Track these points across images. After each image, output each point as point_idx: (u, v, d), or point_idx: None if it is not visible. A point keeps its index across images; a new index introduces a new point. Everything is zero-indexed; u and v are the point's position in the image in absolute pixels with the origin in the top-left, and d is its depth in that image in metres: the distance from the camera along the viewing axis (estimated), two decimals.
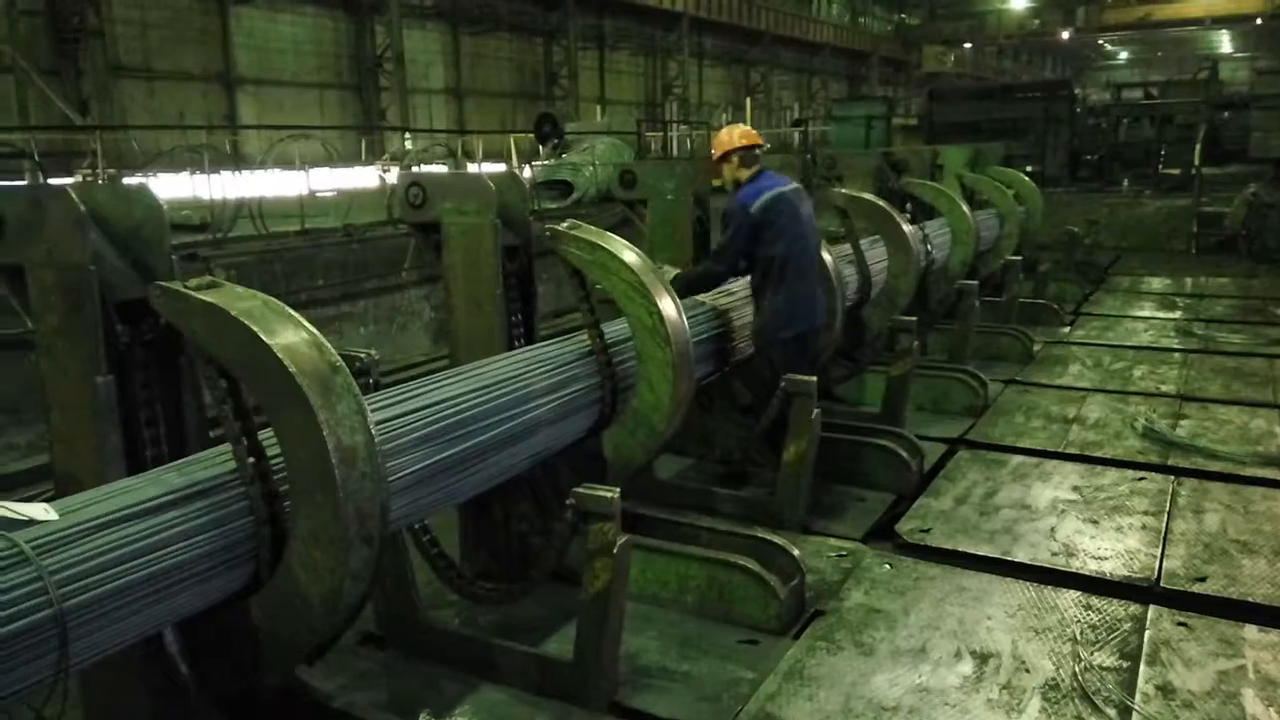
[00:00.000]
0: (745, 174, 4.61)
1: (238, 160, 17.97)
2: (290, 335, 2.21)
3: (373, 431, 2.23)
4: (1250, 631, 3.38)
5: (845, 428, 5.06)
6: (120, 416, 2.40)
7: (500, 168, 20.82)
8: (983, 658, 3.24)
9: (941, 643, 3.34)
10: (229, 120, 22.83)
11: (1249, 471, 4.86)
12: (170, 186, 12.94)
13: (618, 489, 2.89)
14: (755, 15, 37.75)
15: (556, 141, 16.46)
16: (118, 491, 2.15)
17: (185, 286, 2.29)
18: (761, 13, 38.06)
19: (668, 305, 3.60)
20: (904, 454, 4.81)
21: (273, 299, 2.33)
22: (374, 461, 2.22)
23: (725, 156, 4.63)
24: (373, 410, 2.75)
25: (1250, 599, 3.61)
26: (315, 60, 24.98)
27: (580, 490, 2.90)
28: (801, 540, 4.15)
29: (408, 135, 21.02)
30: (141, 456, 2.42)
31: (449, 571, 3.23)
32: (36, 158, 15.74)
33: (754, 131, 4.77)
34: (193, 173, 15.12)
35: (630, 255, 3.61)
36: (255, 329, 2.17)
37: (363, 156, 21.20)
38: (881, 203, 6.13)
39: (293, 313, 2.32)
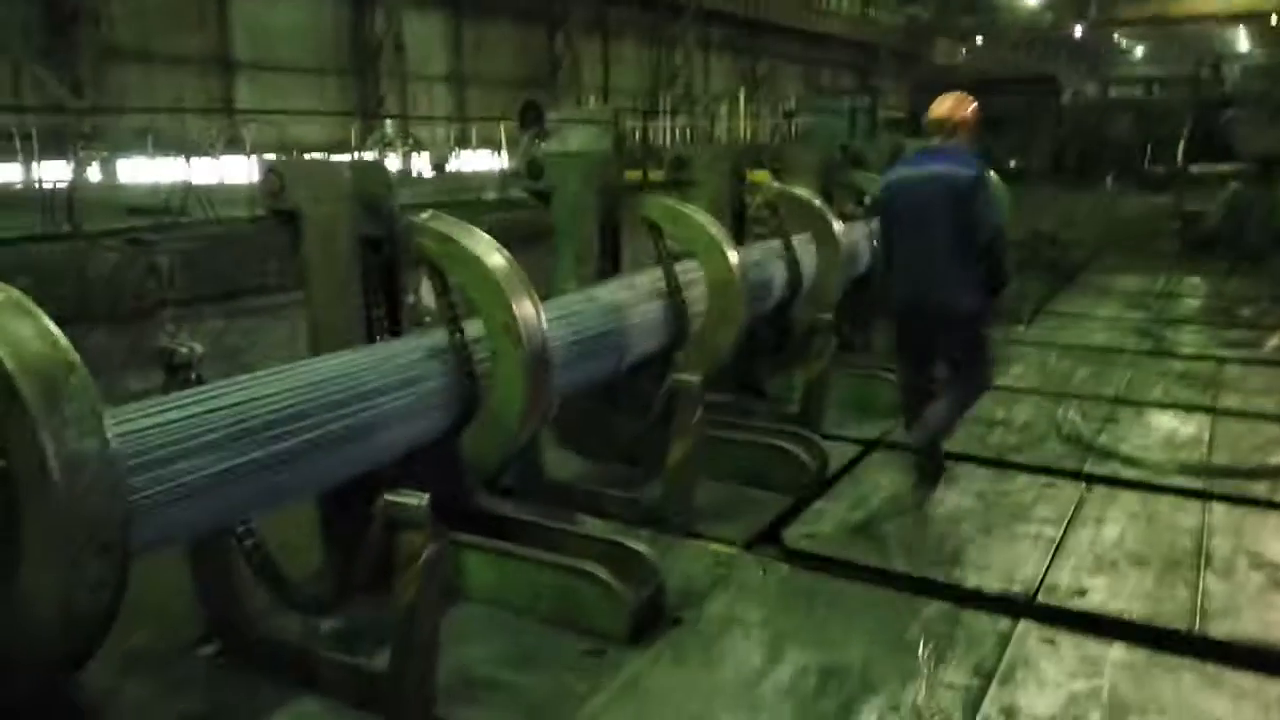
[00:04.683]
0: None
1: (228, 143, 17.98)
2: (14, 336, 2.10)
3: (104, 439, 2.12)
4: (1117, 650, 3.24)
5: (749, 427, 4.93)
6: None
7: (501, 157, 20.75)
8: (830, 674, 3.11)
9: (792, 656, 3.21)
10: (226, 104, 22.84)
11: (1164, 480, 4.70)
12: (139, 170, 12.92)
13: (426, 496, 2.77)
14: (762, 6, 37.40)
15: (537, 130, 16.30)
16: None
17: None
18: (768, 3, 37.69)
19: (524, 301, 3.47)
20: (804, 456, 4.67)
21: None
22: (107, 470, 2.11)
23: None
24: (170, 409, 2.67)
25: (1126, 616, 3.46)
26: (314, 45, 24.91)
27: (388, 498, 2.79)
28: (680, 545, 4.03)
29: (387, 122, 20.94)
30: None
31: (273, 578, 3.11)
32: (33, 138, 15.78)
33: (953, 105, 4.58)
34: (186, 156, 15.15)
35: (485, 249, 3.49)
36: None
37: (353, 143, 21.13)
38: (808, 197, 5.99)
39: (27, 306, 2.20)
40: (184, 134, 15.99)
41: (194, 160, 15.48)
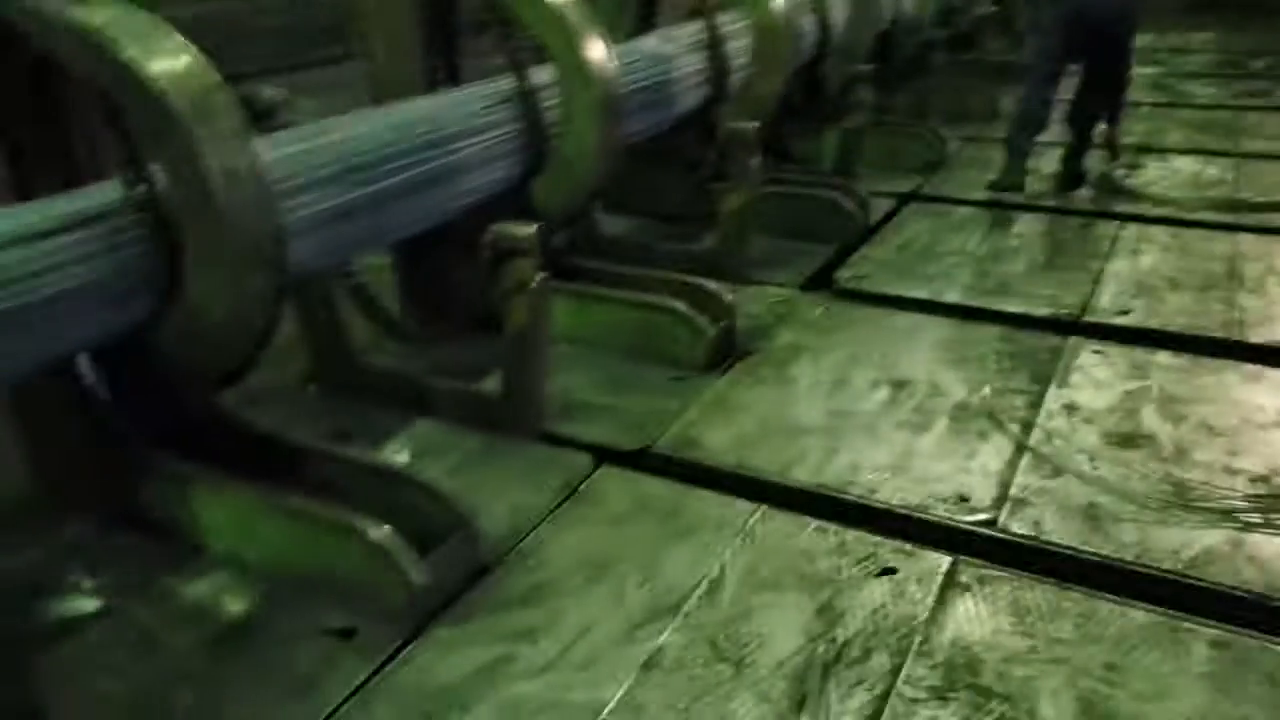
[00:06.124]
0: None
1: None
2: (165, 56, 2.12)
3: (255, 156, 2.19)
4: (1162, 357, 3.51)
5: (793, 181, 5.01)
6: (7, 147, 2.35)
7: None
8: (899, 385, 3.37)
9: (862, 374, 3.46)
10: None
11: (1193, 215, 4.88)
12: None
13: (534, 225, 2.88)
14: None
15: None
16: (5, 216, 2.13)
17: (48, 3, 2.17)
18: None
19: (596, 43, 3.45)
20: (849, 206, 4.79)
21: (148, 13, 2.23)
22: (260, 186, 2.20)
23: None
24: (276, 146, 2.71)
25: (1168, 328, 3.72)
26: None
27: (497, 228, 2.90)
28: (739, 289, 4.19)
29: None
30: (34, 188, 2.37)
31: (378, 314, 3.28)
32: None
33: None
34: None
35: None
36: (123, 49, 2.08)
37: None
38: None
39: (170, 28, 2.21)
40: None
41: None
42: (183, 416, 2.64)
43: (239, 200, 2.14)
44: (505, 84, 3.55)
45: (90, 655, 2.13)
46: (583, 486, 2.85)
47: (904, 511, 2.68)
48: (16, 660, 1.74)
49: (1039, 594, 2.32)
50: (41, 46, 2.24)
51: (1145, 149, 6.05)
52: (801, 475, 2.87)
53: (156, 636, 2.16)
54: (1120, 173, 5.52)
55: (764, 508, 2.71)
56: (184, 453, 2.57)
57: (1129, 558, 2.45)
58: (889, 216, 5.13)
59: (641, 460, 2.96)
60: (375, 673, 2.11)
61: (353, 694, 2.06)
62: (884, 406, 3.23)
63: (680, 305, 3.58)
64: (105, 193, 2.27)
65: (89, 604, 2.25)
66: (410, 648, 2.18)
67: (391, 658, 2.15)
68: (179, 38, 2.18)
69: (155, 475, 2.54)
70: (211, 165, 2.09)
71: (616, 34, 4.65)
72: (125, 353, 2.45)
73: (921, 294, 4.11)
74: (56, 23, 2.16)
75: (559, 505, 2.76)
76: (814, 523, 2.64)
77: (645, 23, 5.01)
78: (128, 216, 2.23)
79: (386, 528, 2.25)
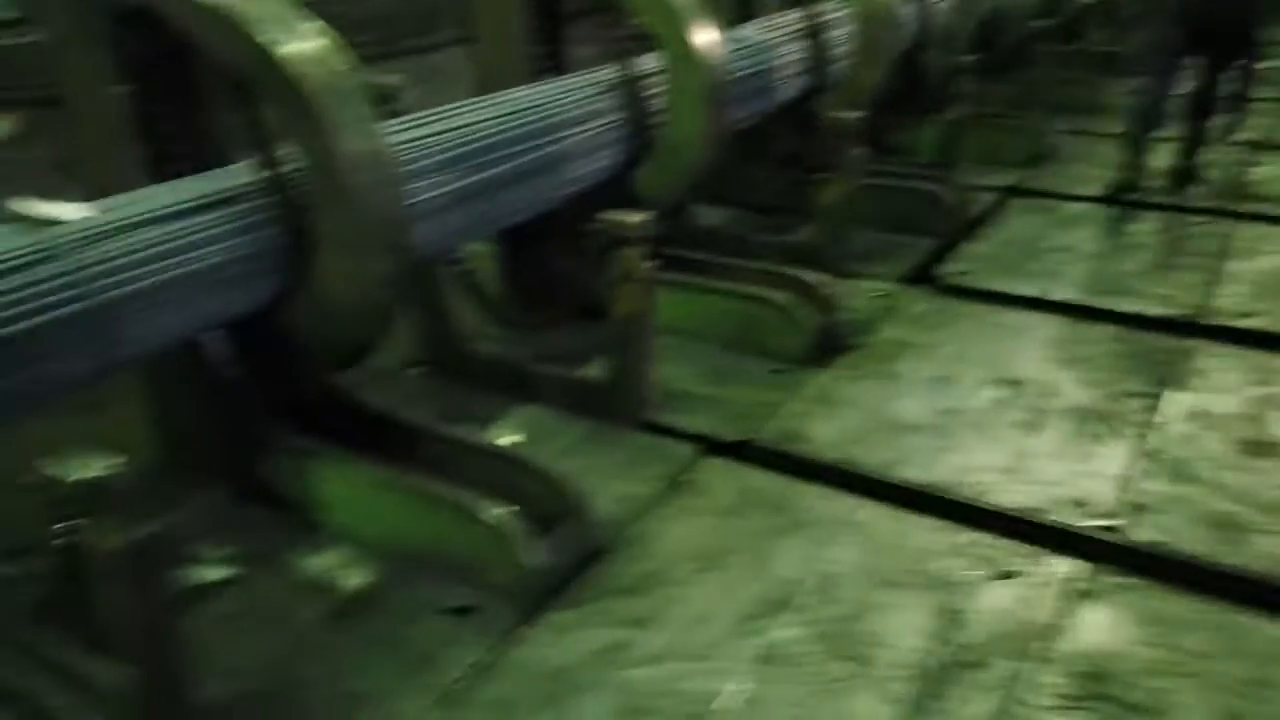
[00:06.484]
0: None
1: None
2: (300, 40, 2.17)
3: (384, 141, 2.22)
4: None
5: (893, 174, 4.91)
6: (145, 130, 2.42)
7: None
8: (1010, 384, 3.28)
9: (971, 372, 3.38)
10: None
11: None
12: None
13: (645, 215, 2.87)
14: None
15: None
16: (143, 197, 2.20)
17: None
18: None
19: (706, 31, 3.42)
20: (949, 199, 4.67)
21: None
22: (389, 170, 2.23)
23: None
24: (394, 133, 2.75)
25: None
26: None
27: (606, 216, 2.90)
28: (839, 282, 4.12)
29: None
30: (169, 171, 2.45)
31: (484, 300, 3.31)
32: None
33: None
34: None
35: None
36: (260, 32, 2.13)
37: None
38: None
39: (301, 15, 2.26)
40: None
41: None
42: (303, 394, 2.70)
43: (368, 183, 2.18)
44: (610, 71, 3.55)
45: (220, 624, 2.19)
46: (687, 476, 2.83)
47: (1020, 514, 2.60)
48: (158, 625, 1.80)
49: (1169, 604, 2.23)
50: (179, 29, 2.30)
51: (1263, 145, 5.79)
52: (910, 473, 2.81)
53: (281, 608, 2.22)
54: (1238, 170, 5.28)
55: (873, 504, 2.67)
56: (303, 429, 2.63)
57: (1266, 570, 2.34)
58: (991, 211, 5.00)
59: (744, 452, 2.94)
60: (492, 651, 2.13)
61: (471, 671, 2.08)
62: (994, 405, 3.15)
63: (782, 297, 3.54)
64: (237, 175, 2.33)
65: (218, 573, 2.32)
66: (525, 628, 2.20)
67: (507, 637, 2.17)
68: (313, 22, 2.22)
69: (277, 450, 2.60)
70: (343, 148, 2.13)
71: (718, 21, 4.64)
72: (251, 331, 2.52)
73: (1029, 291, 3.99)
74: (194, 6, 2.22)
75: (664, 494, 2.75)
76: (926, 521, 2.59)
77: (744, 10, 4.96)
78: (259, 198, 2.29)
79: (505, 509, 2.26)
